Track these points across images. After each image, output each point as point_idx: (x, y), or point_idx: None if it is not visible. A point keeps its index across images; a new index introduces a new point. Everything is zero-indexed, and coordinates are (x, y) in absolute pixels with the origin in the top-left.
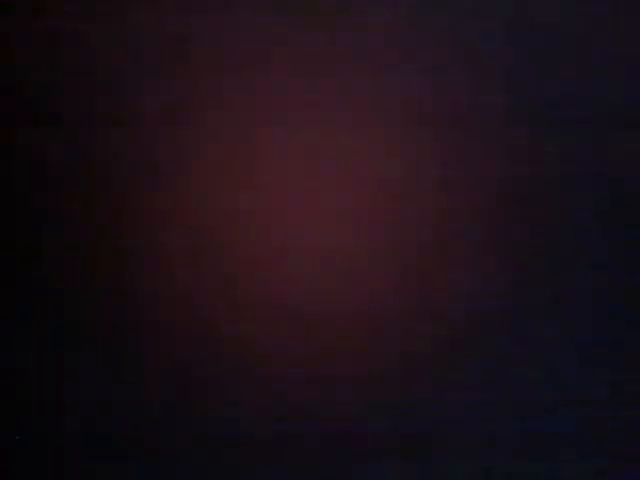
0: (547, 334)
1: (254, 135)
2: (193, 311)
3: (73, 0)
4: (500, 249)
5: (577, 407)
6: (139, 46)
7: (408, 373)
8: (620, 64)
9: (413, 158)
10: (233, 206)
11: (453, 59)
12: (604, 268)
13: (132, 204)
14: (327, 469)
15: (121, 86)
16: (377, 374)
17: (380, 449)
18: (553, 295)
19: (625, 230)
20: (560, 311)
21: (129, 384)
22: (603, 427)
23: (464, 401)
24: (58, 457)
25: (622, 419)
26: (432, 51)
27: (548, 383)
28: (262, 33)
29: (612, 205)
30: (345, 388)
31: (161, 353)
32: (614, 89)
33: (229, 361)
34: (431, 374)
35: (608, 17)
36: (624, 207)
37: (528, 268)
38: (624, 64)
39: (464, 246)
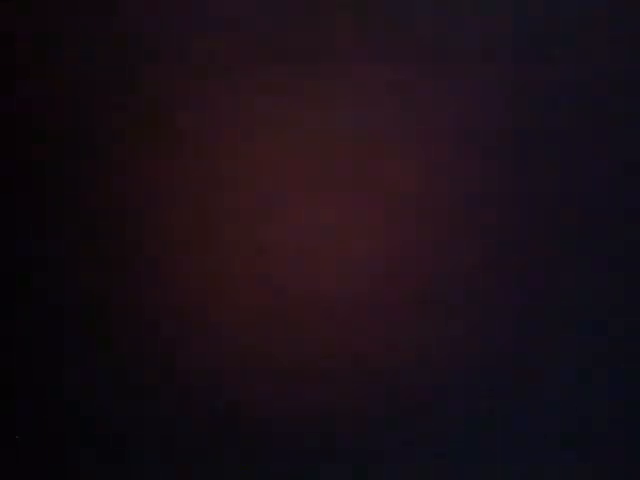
0: (549, 336)
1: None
2: (193, 309)
3: None
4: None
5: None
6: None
7: (411, 370)
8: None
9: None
10: (235, 206)
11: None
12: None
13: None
14: (327, 468)
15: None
16: (377, 371)
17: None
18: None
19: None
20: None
21: (128, 383)
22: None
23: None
24: (57, 455)
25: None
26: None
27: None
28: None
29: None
30: (345, 385)
31: (161, 352)
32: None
33: (229, 360)
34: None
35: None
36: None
37: (530, 269)
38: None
39: (466, 246)
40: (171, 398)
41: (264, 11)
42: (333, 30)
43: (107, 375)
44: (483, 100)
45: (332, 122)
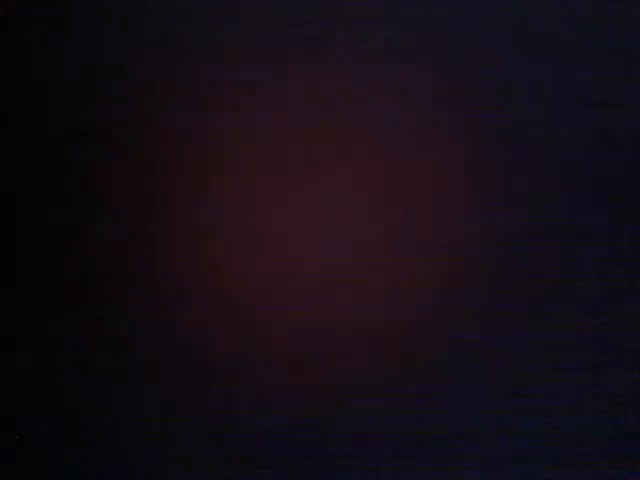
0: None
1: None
2: (194, 314)
3: None
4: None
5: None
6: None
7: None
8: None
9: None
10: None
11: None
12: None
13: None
14: (327, 468)
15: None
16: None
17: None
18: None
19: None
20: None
21: (129, 385)
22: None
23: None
24: (57, 455)
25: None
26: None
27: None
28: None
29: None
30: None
31: (161, 353)
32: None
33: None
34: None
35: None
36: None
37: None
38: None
39: (465, 246)
40: (171, 399)
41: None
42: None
43: (107, 376)
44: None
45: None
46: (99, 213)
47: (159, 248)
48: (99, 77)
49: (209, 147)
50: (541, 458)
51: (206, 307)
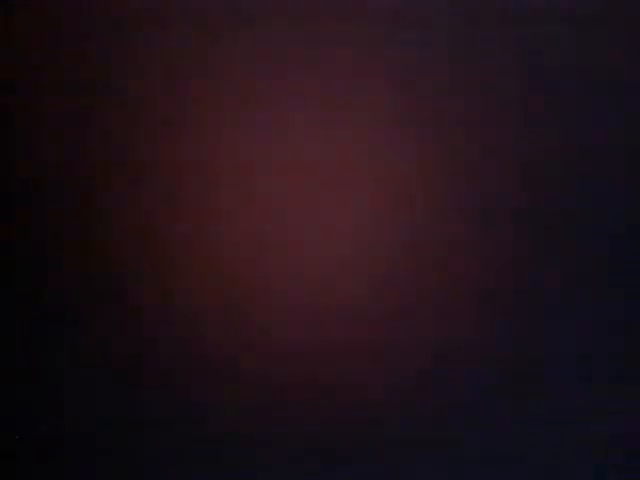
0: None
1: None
2: (192, 310)
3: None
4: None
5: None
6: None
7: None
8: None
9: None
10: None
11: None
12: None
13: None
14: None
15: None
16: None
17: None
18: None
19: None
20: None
21: (128, 384)
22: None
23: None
24: (57, 455)
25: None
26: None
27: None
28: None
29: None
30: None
31: (160, 353)
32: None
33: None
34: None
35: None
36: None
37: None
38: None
39: (463, 246)
40: (170, 399)
41: None
42: None
43: (106, 374)
44: None
45: None
46: (99, 212)
47: (160, 247)
48: (98, 79)
49: (207, 146)
50: None
51: (207, 307)
